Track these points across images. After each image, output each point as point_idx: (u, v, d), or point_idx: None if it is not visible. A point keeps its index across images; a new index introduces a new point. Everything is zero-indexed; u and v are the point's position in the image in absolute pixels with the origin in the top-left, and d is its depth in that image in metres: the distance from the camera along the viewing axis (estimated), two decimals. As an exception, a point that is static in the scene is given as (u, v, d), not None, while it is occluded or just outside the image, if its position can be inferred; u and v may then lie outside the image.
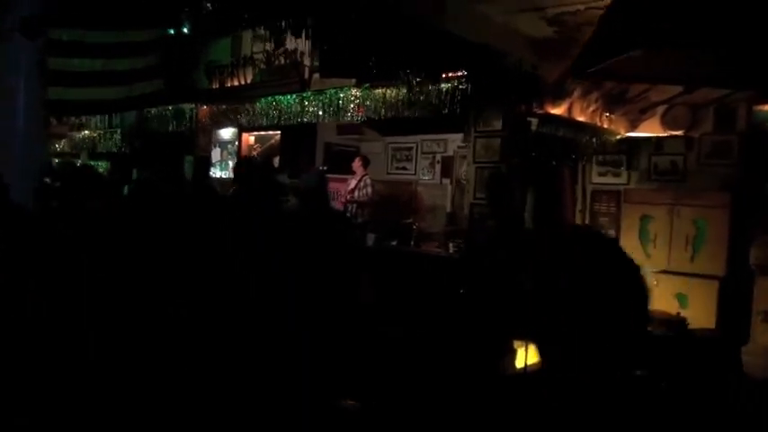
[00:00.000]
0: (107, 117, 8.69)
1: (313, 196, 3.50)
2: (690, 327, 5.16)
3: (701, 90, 6.08)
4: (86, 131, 9.06)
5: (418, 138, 8.77)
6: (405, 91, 5.63)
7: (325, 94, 6.39)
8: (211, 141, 9.51)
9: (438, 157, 8.82)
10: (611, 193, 6.75)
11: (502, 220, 4.71)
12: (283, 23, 5.48)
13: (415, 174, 9.00)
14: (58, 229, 2.50)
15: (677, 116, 6.19)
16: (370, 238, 6.68)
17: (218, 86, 7.54)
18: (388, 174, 9.40)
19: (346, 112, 6.29)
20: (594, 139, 6.14)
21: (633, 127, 6.35)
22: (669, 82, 5.14)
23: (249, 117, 7.10)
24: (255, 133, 9.68)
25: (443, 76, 5.33)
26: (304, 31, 6.36)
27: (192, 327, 2.21)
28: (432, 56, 5.39)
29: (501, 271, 4.57)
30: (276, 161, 9.30)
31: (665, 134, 6.32)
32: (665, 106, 6.26)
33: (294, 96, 6.66)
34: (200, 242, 2.68)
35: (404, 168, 9.20)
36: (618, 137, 6.31)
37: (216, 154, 10.07)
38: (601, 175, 6.83)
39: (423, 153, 8.87)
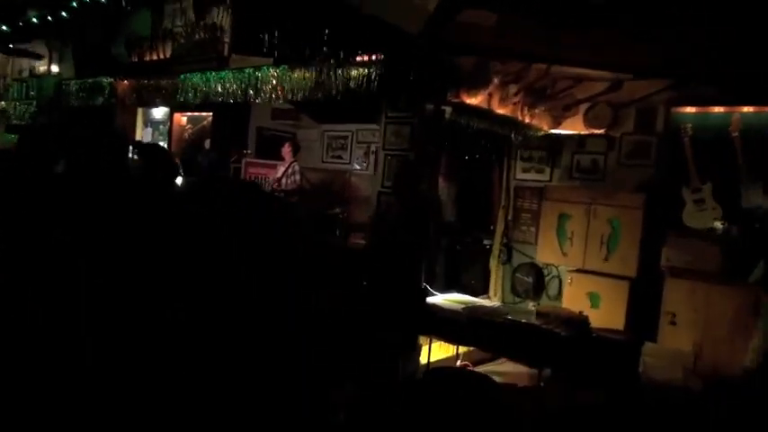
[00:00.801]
0: (24, 88, 8.26)
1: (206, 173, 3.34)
2: (597, 327, 5.07)
3: (625, 89, 6.01)
4: (2, 103, 8.59)
5: (353, 126, 8.60)
6: (318, 73, 5.41)
7: (243, 72, 6.11)
8: (136, 120, 9.17)
9: (373, 147, 8.67)
10: (534, 189, 6.64)
11: (407, 210, 4.53)
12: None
13: (349, 163, 8.85)
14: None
15: (599, 114, 6.10)
16: (281, 225, 6.44)
17: (137, 60, 7.19)
18: (323, 162, 9.23)
19: (264, 92, 6.02)
20: (516, 134, 6.00)
21: (556, 123, 6.24)
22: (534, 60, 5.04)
23: (166, 94, 6.77)
24: (188, 114, 9.40)
25: (357, 58, 5.12)
26: (223, 6, 6.14)
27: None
28: (345, 36, 5.20)
29: (403, 262, 4.41)
30: (207, 143, 9.04)
31: (588, 132, 6.23)
32: (588, 104, 6.16)
33: (211, 74, 6.35)
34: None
35: (339, 157, 9.03)
36: (540, 133, 6.19)
37: (147, 134, 9.75)
38: (525, 171, 6.73)
39: (358, 142, 8.69)
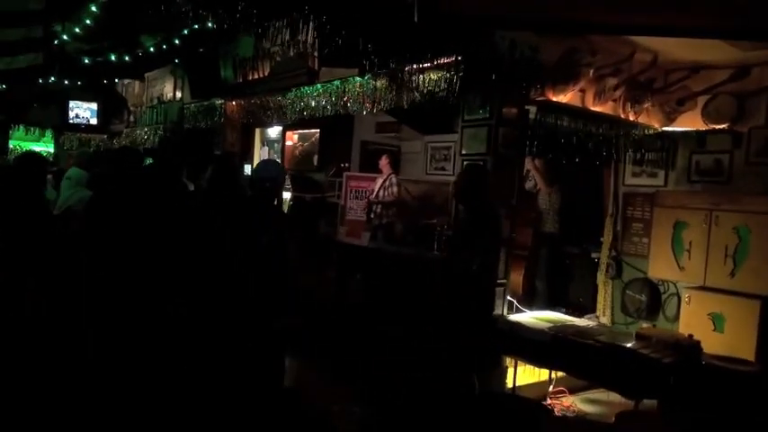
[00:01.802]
0: (154, 114, 9.04)
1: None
2: (718, 354, 4.31)
3: (753, 75, 5.15)
4: (137, 130, 9.47)
5: (457, 137, 8.31)
6: (399, 80, 5.28)
7: (332, 84, 6.15)
8: (254, 139, 9.65)
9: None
10: (645, 195, 5.91)
11: (474, 220, 4.21)
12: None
13: (453, 174, 8.53)
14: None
15: (721, 107, 5.27)
16: (365, 237, 6.34)
17: (241, 81, 7.55)
18: (426, 174, 9.03)
19: (352, 103, 6.01)
20: (620, 134, 5.37)
21: (669, 120, 5.49)
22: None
23: (265, 112, 7.03)
24: (299, 131, 9.73)
25: (436, 62, 4.92)
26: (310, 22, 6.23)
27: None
28: (423, 40, 5.02)
29: (470, 273, 4.09)
30: (315, 159, 9.28)
31: (708, 128, 5.41)
32: (707, 96, 5.36)
33: (304, 89, 6.48)
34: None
35: (442, 169, 8.77)
36: (651, 131, 5.49)
37: (264, 153, 10.24)
38: (635, 175, 6.01)
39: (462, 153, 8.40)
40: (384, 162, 7.62)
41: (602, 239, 6.25)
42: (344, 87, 6.00)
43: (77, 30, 6.19)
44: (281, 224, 3.67)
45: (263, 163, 4.58)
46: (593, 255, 6.38)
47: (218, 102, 7.95)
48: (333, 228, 6.94)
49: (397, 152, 8.76)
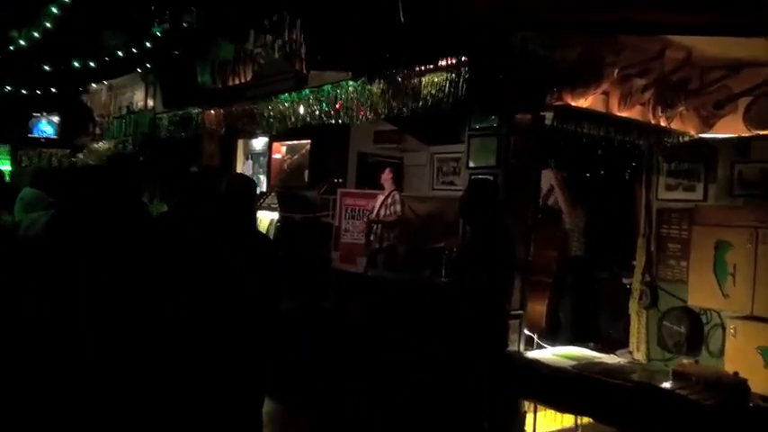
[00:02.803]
0: (122, 125, 9.14)
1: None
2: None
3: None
4: (102, 143, 9.57)
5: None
6: (398, 83, 5.35)
7: (322, 90, 6.22)
8: (236, 152, 9.72)
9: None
10: (682, 212, 5.92)
11: (480, 238, 4.23)
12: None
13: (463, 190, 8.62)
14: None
15: (766, 110, 5.31)
16: (361, 263, 6.38)
17: (221, 86, 7.64)
18: (433, 189, 9.08)
19: (345, 110, 6.08)
20: (650, 142, 5.42)
21: (707, 126, 5.52)
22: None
23: (249, 121, 7.11)
24: (287, 143, 9.80)
25: (439, 63, 4.99)
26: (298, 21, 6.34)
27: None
28: (424, 40, 5.11)
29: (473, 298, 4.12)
30: (306, 174, 9.33)
31: (752, 134, 5.45)
32: (749, 97, 5.40)
33: (291, 94, 6.55)
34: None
35: (451, 183, 8.81)
36: (686, 138, 5.53)
37: (247, 168, 10.31)
38: (670, 189, 6.04)
39: (470, 165, 8.46)
40: (387, 176, 7.64)
41: (634, 263, 6.25)
42: (336, 93, 6.05)
43: (36, 34, 6.31)
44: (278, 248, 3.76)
45: (233, 177, 4.63)
46: (625, 280, 6.37)
47: (195, 111, 8.04)
48: (327, 252, 6.97)
49: (400, 165, 8.81)
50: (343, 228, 8.16)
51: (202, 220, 3.48)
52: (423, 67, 5.09)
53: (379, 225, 7.50)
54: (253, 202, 3.81)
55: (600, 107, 5.06)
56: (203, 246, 3.25)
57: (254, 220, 4.13)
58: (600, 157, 5.56)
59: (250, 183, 3.76)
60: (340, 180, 8.57)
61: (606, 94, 5.06)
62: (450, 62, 4.92)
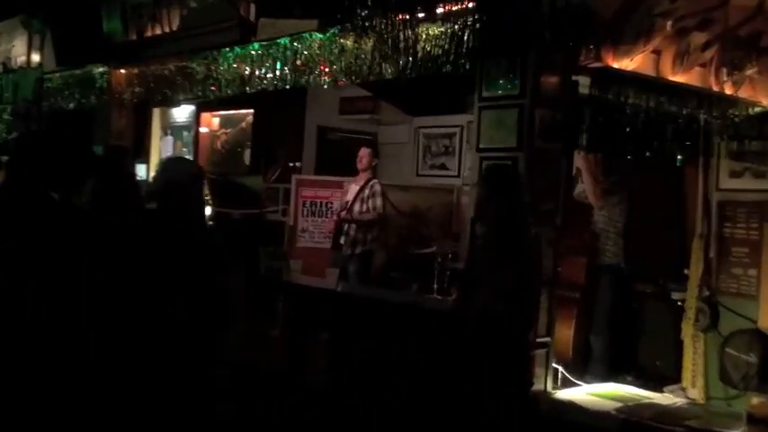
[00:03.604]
0: (-1, 90, 8.96)
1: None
2: None
3: None
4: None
5: (463, 118, 8.45)
6: (382, 38, 5.37)
7: (277, 44, 6.19)
8: (150, 126, 9.62)
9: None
10: (752, 205, 6.04)
11: (497, 242, 4.26)
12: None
13: (458, 175, 8.73)
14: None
15: None
16: (331, 275, 6.39)
17: (136, 38, 7.54)
18: (418, 176, 9.17)
19: (309, 72, 6.07)
20: (711, 114, 5.51)
21: (785, 94, 5.66)
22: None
23: (174, 84, 7.07)
24: (220, 113, 9.77)
25: (434, 10, 5.03)
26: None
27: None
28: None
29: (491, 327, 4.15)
30: (247, 154, 9.32)
31: (842, 105, 5.60)
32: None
33: (233, 50, 6.51)
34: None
35: (442, 167, 8.97)
36: (757, 110, 5.65)
37: (167, 145, 10.23)
38: (735, 175, 6.15)
39: (469, 142, 8.53)
40: (364, 159, 7.65)
41: (687, 272, 6.35)
42: (296, 48, 6.03)
43: None
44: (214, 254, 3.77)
45: (170, 162, 4.60)
46: (675, 296, 6.47)
47: (99, 70, 7.92)
48: (280, 261, 6.92)
49: (374, 142, 8.85)
50: (300, 228, 8.20)
51: (132, 226, 3.52)
52: (415, 15, 5.11)
53: (353, 225, 7.49)
54: (202, 199, 3.81)
55: (649, 69, 5.13)
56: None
57: (204, 225, 4.11)
58: (645, 134, 5.63)
59: (196, 172, 3.74)
60: (295, 164, 8.56)
61: (657, 52, 5.13)
62: (451, 8, 4.96)
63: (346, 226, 7.53)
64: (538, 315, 4.61)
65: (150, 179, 8.22)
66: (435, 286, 7.06)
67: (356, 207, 7.60)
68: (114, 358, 3.28)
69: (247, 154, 9.34)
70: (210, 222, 8.48)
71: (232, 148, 9.58)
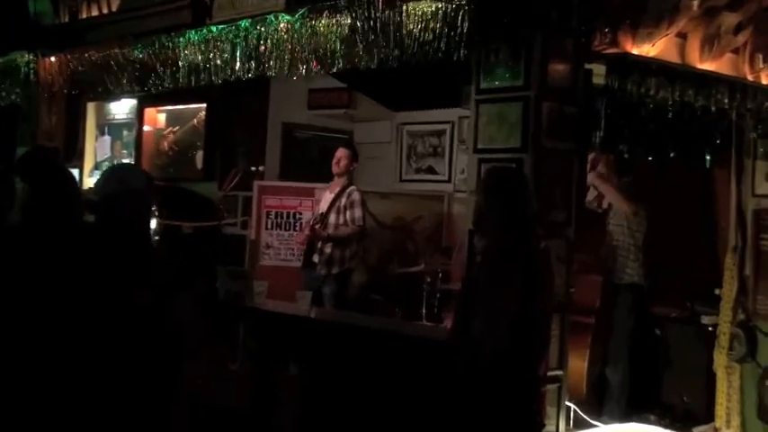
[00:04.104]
0: None
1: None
2: None
3: None
4: None
5: (454, 113, 8.51)
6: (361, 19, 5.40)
7: (237, 27, 6.20)
8: (84, 123, 9.58)
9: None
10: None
11: (500, 258, 4.29)
12: None
13: (449, 180, 8.79)
14: None
15: None
16: (303, 299, 6.38)
17: (69, 20, 7.53)
18: (401, 181, 9.19)
19: (276, 60, 6.08)
20: (744, 108, 5.59)
21: (828, 83, 5.76)
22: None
23: (107, 76, 7.03)
24: (167, 108, 9.76)
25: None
26: None
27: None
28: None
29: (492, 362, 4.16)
30: (199, 157, 9.32)
31: None
32: None
33: (185, 35, 6.50)
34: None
35: (429, 170, 9.00)
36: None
37: (103, 146, 10.21)
38: (772, 179, 6.25)
39: (462, 141, 8.57)
40: (342, 162, 7.59)
41: (718, 292, 6.41)
42: (259, 32, 6.05)
43: None
44: (163, 276, 3.77)
45: (117, 171, 4.59)
46: (705, 320, 6.53)
47: (25, 58, 7.87)
48: (240, 283, 6.91)
49: (349, 142, 8.86)
50: (263, 243, 8.18)
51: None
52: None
53: (330, 241, 7.45)
54: (149, 214, 3.82)
55: (673, 56, 5.21)
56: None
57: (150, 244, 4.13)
58: (669, 130, 5.69)
59: (146, 182, 3.75)
60: (257, 168, 8.55)
61: (682, 36, 5.21)
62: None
63: (320, 242, 7.49)
64: (548, 345, 4.63)
65: (88, 188, 8.17)
66: (424, 311, 7.15)
67: (331, 219, 7.53)
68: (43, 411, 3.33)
69: (200, 156, 9.29)
70: (156, 238, 8.48)
71: (182, 149, 9.53)
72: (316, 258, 7.37)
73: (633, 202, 6.44)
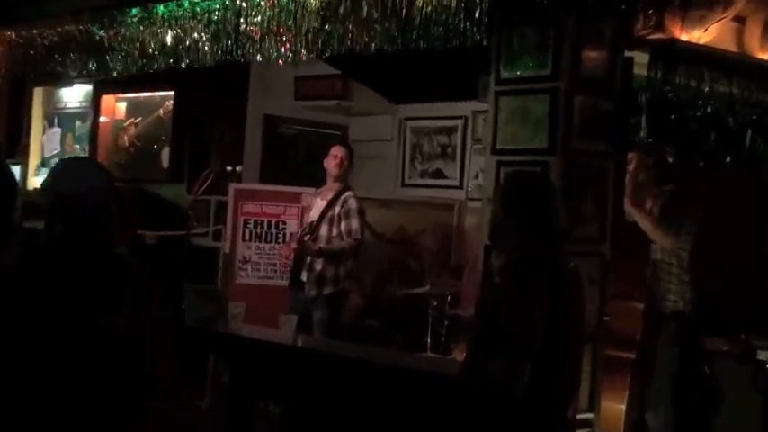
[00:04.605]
0: None
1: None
2: None
3: None
4: None
5: (467, 107, 8.52)
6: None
7: (210, 4, 6.24)
8: (29, 112, 9.61)
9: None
10: None
11: (521, 279, 4.30)
12: None
13: (460, 186, 8.82)
14: None
15: None
16: (286, 324, 6.38)
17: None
18: (404, 185, 9.18)
19: (257, 42, 6.11)
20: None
21: None
22: None
23: (57, 57, 7.05)
24: (130, 95, 9.77)
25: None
26: None
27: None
28: None
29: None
30: (165, 154, 9.33)
31: None
32: None
33: (141, 11, 6.56)
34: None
35: (437, 174, 9.03)
36: None
37: (53, 138, 10.23)
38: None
39: (477, 140, 8.59)
40: (336, 161, 7.55)
41: (778, 323, 6.43)
42: (239, 8, 6.09)
43: None
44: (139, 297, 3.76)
45: (72, 165, 4.60)
46: (762, 355, 6.53)
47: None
48: (212, 304, 6.92)
49: (343, 139, 8.88)
50: (240, 257, 8.17)
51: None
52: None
53: (321, 256, 7.42)
54: (114, 217, 3.80)
55: (729, 43, 5.25)
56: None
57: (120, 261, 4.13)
58: (723, 129, 5.73)
59: (108, 180, 3.74)
60: (234, 169, 8.55)
61: (740, 20, 5.26)
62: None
63: (309, 257, 7.46)
64: (578, 383, 4.64)
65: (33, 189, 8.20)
66: (429, 340, 7.13)
67: (323, 230, 7.52)
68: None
69: (166, 153, 9.31)
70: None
71: (145, 145, 9.54)
72: (304, 276, 7.32)
73: (678, 214, 6.44)
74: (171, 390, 5.73)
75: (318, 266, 7.31)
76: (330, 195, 7.54)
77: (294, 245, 7.51)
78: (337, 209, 7.41)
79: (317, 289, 7.22)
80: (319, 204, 7.59)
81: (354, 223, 7.37)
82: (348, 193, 7.50)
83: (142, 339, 3.53)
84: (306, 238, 7.35)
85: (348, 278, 7.42)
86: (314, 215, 7.56)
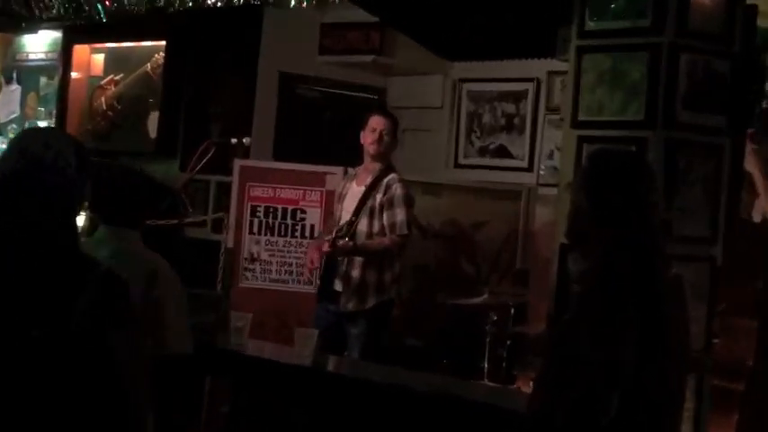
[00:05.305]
0: None
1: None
2: None
3: None
4: None
5: (541, 67, 8.52)
6: None
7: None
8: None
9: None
10: None
11: (615, 287, 4.28)
12: None
13: (530, 167, 8.92)
14: None
15: None
16: (305, 343, 6.38)
17: None
18: (458, 166, 9.21)
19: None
20: None
21: None
22: None
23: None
24: (110, 45, 9.84)
25: None
26: None
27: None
28: None
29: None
30: (153, 121, 9.40)
31: None
32: None
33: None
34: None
35: (501, 152, 9.12)
36: None
37: (11, 97, 10.34)
38: None
39: (552, 110, 8.60)
40: (376, 133, 7.44)
41: None
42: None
43: None
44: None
45: (25, 137, 4.66)
46: None
47: None
48: (210, 313, 6.96)
49: (381, 105, 8.91)
50: (246, 254, 8.19)
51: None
52: None
53: (355, 252, 7.35)
54: (75, 203, 3.83)
55: None
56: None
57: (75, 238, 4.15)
58: None
59: (80, 154, 3.75)
60: (241, 140, 8.57)
61: None
62: None
63: (345, 260, 7.39)
64: (679, 421, 4.63)
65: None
66: (486, 365, 7.15)
67: (362, 225, 7.43)
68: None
69: (154, 120, 9.36)
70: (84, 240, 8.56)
71: (127, 108, 9.61)
72: (338, 286, 7.23)
73: None
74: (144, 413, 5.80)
75: (355, 272, 7.21)
76: (369, 179, 7.44)
77: (326, 248, 7.26)
78: (379, 197, 7.31)
79: (357, 301, 7.15)
80: (355, 191, 7.50)
81: (400, 215, 7.28)
82: (392, 177, 7.40)
83: (98, 364, 3.53)
84: (340, 243, 7.21)
85: (394, 284, 7.35)
86: (349, 206, 7.46)
